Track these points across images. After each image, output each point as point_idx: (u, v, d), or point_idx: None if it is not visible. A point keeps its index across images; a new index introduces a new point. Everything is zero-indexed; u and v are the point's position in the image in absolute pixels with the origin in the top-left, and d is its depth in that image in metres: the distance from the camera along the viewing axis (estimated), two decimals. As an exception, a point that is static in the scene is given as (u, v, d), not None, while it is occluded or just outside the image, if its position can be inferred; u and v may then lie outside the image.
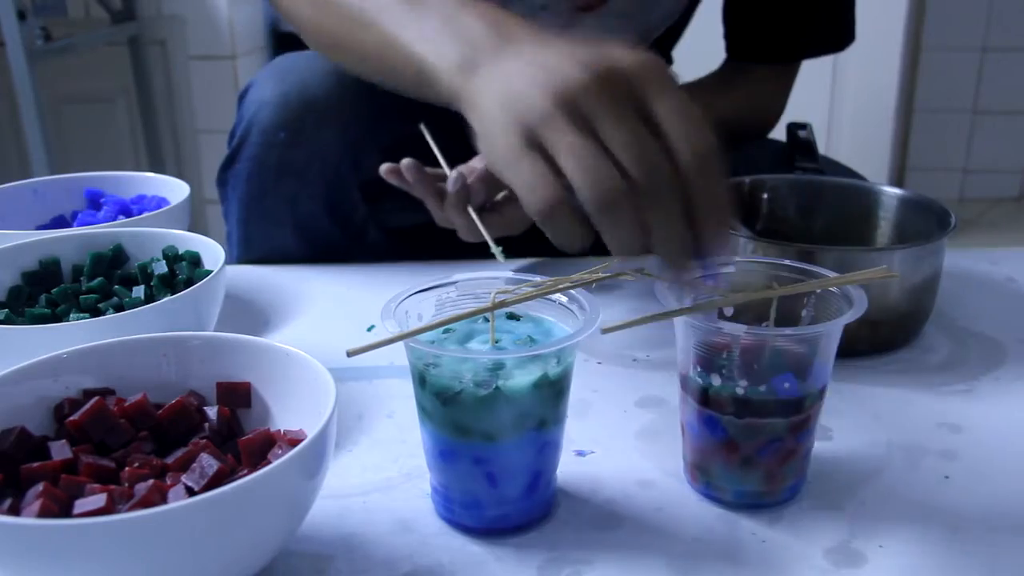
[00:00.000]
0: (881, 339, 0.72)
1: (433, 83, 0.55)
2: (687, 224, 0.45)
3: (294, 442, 0.48)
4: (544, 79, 0.46)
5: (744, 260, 0.57)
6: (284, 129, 0.85)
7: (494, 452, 0.49)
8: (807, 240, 0.73)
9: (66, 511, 0.44)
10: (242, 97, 0.91)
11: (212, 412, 0.52)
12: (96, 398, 0.51)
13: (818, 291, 0.54)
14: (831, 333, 0.51)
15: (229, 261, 0.95)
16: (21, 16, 1.77)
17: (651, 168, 0.44)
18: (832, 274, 0.53)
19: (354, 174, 0.90)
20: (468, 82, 0.52)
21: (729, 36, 1.03)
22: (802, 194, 0.84)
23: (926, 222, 0.76)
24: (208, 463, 0.46)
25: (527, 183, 0.46)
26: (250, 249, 0.93)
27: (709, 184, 0.45)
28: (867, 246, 0.81)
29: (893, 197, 0.80)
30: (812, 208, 0.83)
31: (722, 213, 0.46)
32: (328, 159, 0.87)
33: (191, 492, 0.45)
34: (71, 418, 0.50)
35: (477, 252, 0.92)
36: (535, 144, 0.46)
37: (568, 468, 0.57)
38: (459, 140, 0.98)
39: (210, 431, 0.51)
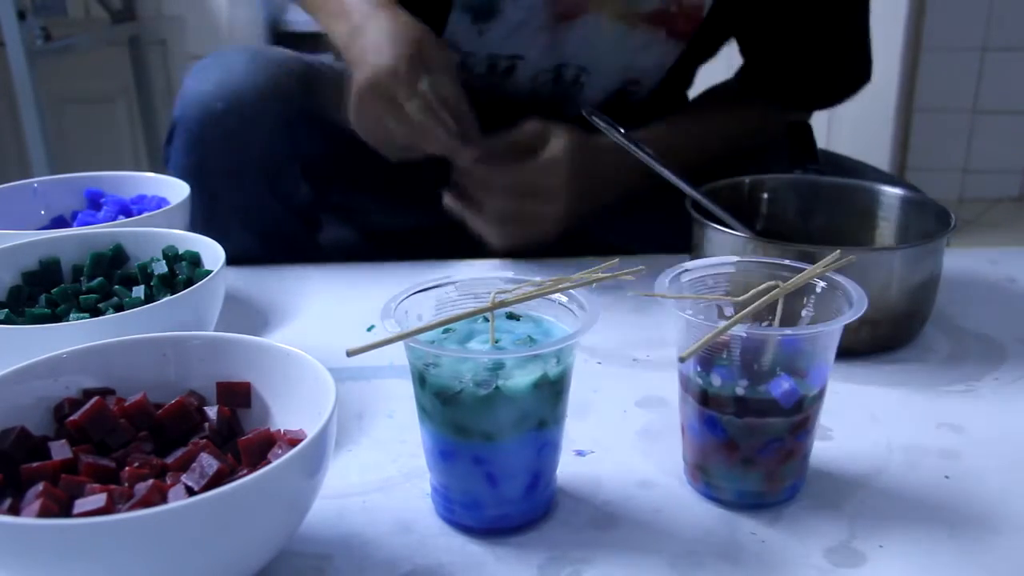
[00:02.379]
0: (881, 339, 0.72)
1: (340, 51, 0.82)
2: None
3: (294, 442, 0.48)
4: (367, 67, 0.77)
5: (744, 260, 0.57)
6: (221, 100, 0.86)
7: (494, 452, 0.49)
8: (807, 240, 0.73)
9: (66, 511, 0.44)
10: (183, 84, 0.92)
11: (212, 412, 0.52)
12: (96, 398, 0.51)
13: (818, 291, 0.54)
14: (831, 333, 0.51)
15: None
16: (21, 16, 1.77)
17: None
18: (806, 266, 0.54)
19: (293, 150, 0.90)
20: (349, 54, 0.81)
21: (745, 77, 1.03)
22: (802, 194, 0.84)
23: (926, 222, 0.76)
24: (208, 463, 0.46)
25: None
26: (193, 228, 0.91)
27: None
28: (867, 246, 0.81)
29: (893, 197, 0.80)
30: (812, 208, 0.83)
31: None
32: (266, 131, 0.88)
33: (191, 492, 0.45)
34: (71, 418, 0.50)
35: (464, 254, 0.92)
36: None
37: (568, 468, 0.57)
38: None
39: (210, 431, 0.51)
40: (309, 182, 0.94)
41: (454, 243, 1.00)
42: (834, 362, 0.52)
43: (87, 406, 0.50)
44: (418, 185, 1.05)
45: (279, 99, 0.88)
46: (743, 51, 1.02)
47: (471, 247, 0.96)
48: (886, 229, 0.81)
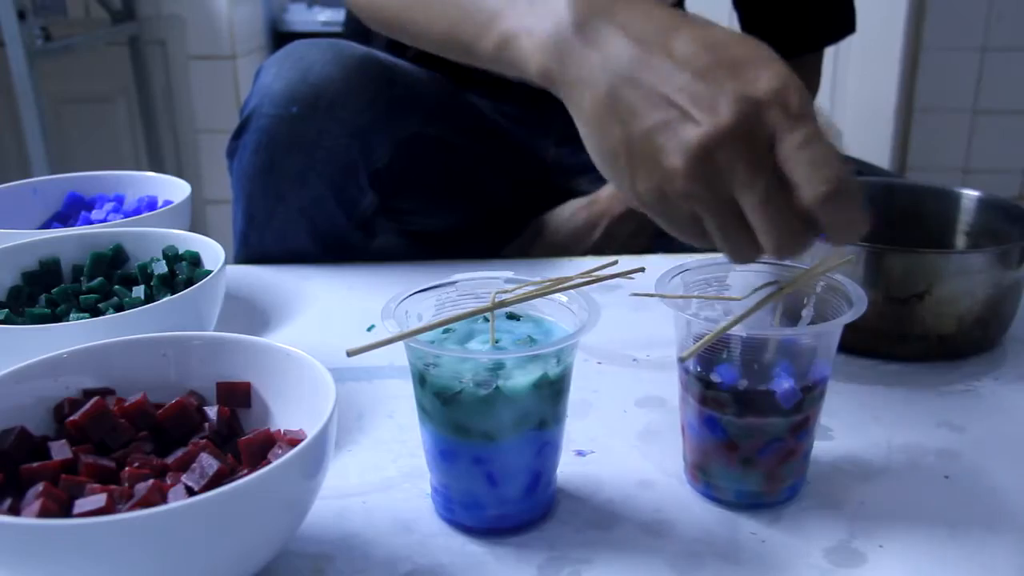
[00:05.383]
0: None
1: (518, 61, 0.55)
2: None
3: (294, 442, 0.48)
4: (654, 101, 0.47)
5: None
6: (297, 103, 0.85)
7: (494, 452, 0.49)
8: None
9: (66, 511, 0.44)
10: (257, 74, 0.91)
11: (212, 412, 0.52)
12: (96, 398, 0.51)
13: (818, 291, 0.54)
14: (831, 333, 0.51)
15: (234, 235, 0.94)
16: (21, 16, 1.77)
17: (781, 231, 0.46)
18: (806, 267, 0.54)
19: (363, 160, 0.89)
20: (563, 68, 0.52)
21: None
22: (875, 198, 0.82)
23: (1006, 226, 0.75)
24: (208, 463, 0.46)
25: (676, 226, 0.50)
26: (252, 225, 0.91)
27: (838, 218, 0.46)
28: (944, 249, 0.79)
29: (977, 201, 0.79)
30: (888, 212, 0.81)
31: (853, 235, 0.47)
32: (339, 138, 0.87)
33: (191, 492, 0.45)
34: (71, 418, 0.50)
35: (494, 255, 0.93)
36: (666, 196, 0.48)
37: (568, 468, 0.57)
38: (474, 140, 0.96)
39: (210, 431, 0.51)
40: (375, 190, 0.93)
41: (495, 241, 1.00)
42: (834, 362, 0.52)
43: (87, 406, 0.50)
44: (471, 184, 1.06)
45: (354, 107, 0.86)
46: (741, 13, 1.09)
47: (509, 244, 0.97)
48: (966, 234, 0.79)
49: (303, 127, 0.85)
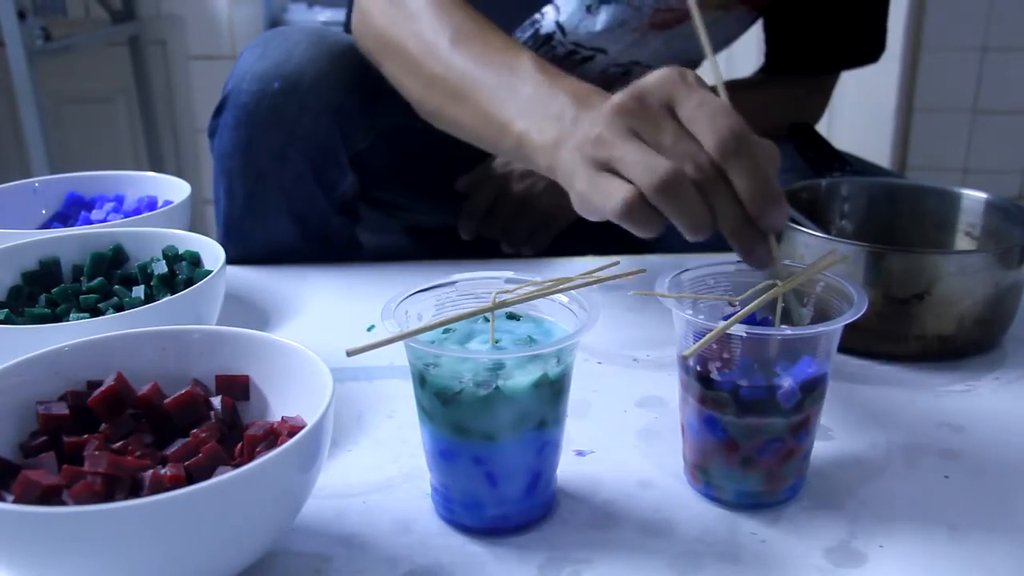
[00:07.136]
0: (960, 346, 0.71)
1: (532, 156, 0.65)
2: (739, 204, 0.52)
3: (295, 429, 0.48)
4: (594, 119, 0.56)
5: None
6: (279, 79, 0.84)
7: (494, 452, 0.49)
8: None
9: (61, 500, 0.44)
10: (241, 55, 0.90)
11: (218, 402, 0.52)
12: (113, 378, 0.51)
13: (818, 290, 0.54)
14: (831, 333, 0.51)
15: (216, 217, 0.93)
16: (21, 16, 1.77)
17: (690, 157, 0.51)
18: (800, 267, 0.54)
19: (342, 140, 0.89)
20: (558, 157, 0.61)
21: (769, 49, 1.07)
22: (877, 197, 0.83)
23: (1007, 226, 0.75)
24: (210, 455, 0.47)
25: (605, 194, 0.54)
26: (233, 205, 0.90)
27: (742, 163, 0.51)
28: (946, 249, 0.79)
29: (978, 201, 0.79)
30: (890, 211, 0.82)
31: (762, 185, 0.51)
32: (319, 116, 0.86)
33: (191, 483, 0.45)
34: (92, 396, 0.50)
35: (493, 255, 0.93)
36: (604, 168, 0.55)
37: (568, 468, 0.57)
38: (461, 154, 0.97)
39: (216, 420, 0.51)
40: (357, 174, 0.93)
41: (490, 241, 1.00)
42: (835, 362, 0.52)
43: (104, 386, 0.50)
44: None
45: (336, 87, 0.86)
46: (767, 22, 1.08)
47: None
48: (967, 234, 0.79)
49: (283, 103, 0.85)
